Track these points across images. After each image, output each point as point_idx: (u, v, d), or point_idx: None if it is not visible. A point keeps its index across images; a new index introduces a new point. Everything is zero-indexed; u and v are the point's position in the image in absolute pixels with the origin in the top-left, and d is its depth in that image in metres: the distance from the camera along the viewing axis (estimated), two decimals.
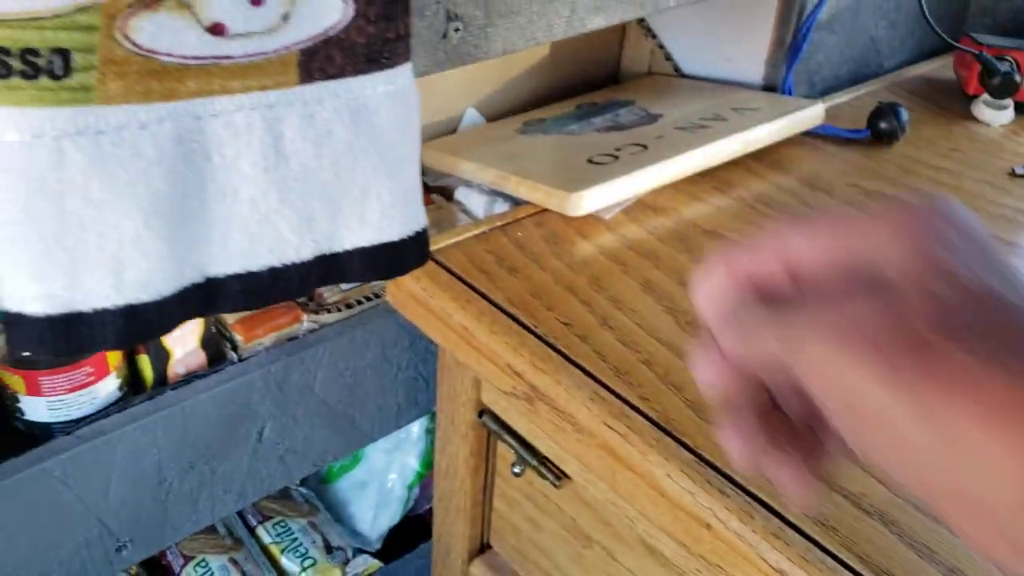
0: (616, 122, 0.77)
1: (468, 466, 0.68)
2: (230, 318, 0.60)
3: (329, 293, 0.65)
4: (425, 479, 0.85)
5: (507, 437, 0.63)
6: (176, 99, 0.33)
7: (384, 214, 0.40)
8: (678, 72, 0.90)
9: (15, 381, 0.55)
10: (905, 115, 0.77)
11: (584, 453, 0.52)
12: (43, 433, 0.57)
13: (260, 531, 0.81)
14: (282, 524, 0.81)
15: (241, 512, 0.82)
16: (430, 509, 0.87)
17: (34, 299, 0.33)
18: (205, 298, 0.37)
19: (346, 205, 0.39)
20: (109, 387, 0.58)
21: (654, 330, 0.57)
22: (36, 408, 0.56)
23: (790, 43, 0.81)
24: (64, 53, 0.30)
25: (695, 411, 0.51)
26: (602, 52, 0.93)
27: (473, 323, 0.57)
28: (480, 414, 0.65)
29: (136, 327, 0.34)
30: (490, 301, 0.59)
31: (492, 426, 0.64)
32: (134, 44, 0.31)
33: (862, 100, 0.87)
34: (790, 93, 0.82)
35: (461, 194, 0.76)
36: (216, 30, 0.33)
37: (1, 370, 0.56)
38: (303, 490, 0.86)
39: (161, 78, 0.32)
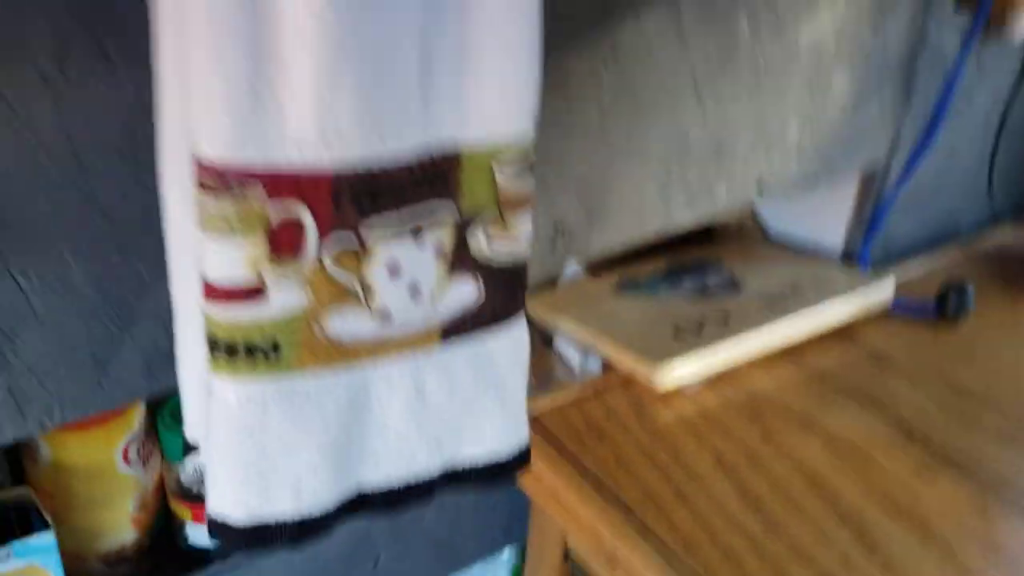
0: (703, 288, 0.86)
1: None
2: None
3: None
4: None
5: None
6: (350, 365, 0.44)
7: (496, 437, 0.50)
8: (765, 230, 0.98)
9: (183, 511, 0.67)
10: (971, 296, 0.84)
11: None
12: (201, 555, 0.68)
13: None
14: None
15: None
16: None
17: (234, 508, 0.44)
18: (355, 506, 0.47)
19: (467, 432, 0.49)
20: None
21: (720, 504, 0.65)
22: (199, 534, 0.67)
23: (868, 219, 0.88)
24: (276, 343, 0.41)
25: None
26: None
27: (563, 486, 0.67)
28: (566, 556, 0.74)
29: (305, 532, 0.45)
30: (580, 466, 0.68)
31: (576, 570, 0.73)
32: (325, 333, 0.42)
33: (935, 271, 0.94)
34: (866, 264, 0.89)
35: (560, 344, 0.86)
36: (385, 319, 0.43)
37: (174, 502, 0.68)
38: None
39: (342, 353, 0.43)
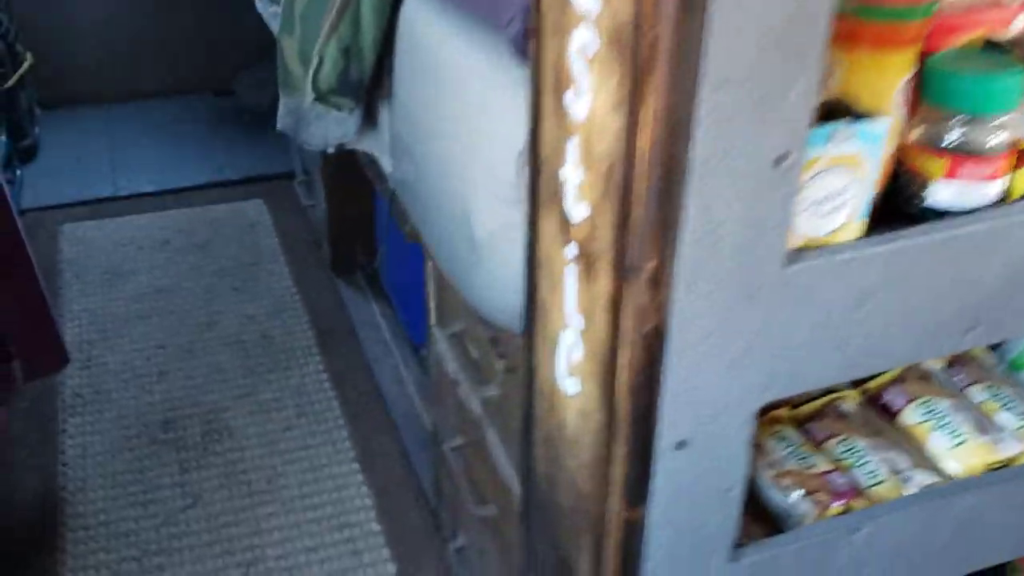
0: None
1: None
2: None
3: None
4: None
5: None
6: None
7: None
8: None
9: (935, 168, 0.67)
10: None
11: None
12: (935, 218, 0.68)
13: (969, 390, 0.90)
14: (990, 386, 0.89)
15: (951, 373, 0.92)
16: None
17: None
18: None
19: None
20: (996, 189, 0.68)
21: None
22: (942, 192, 0.67)
23: None
24: None
25: None
26: None
27: None
28: None
29: None
30: None
31: None
32: None
33: None
34: None
35: None
36: None
37: (925, 158, 0.67)
38: (1000, 368, 0.94)
39: None
